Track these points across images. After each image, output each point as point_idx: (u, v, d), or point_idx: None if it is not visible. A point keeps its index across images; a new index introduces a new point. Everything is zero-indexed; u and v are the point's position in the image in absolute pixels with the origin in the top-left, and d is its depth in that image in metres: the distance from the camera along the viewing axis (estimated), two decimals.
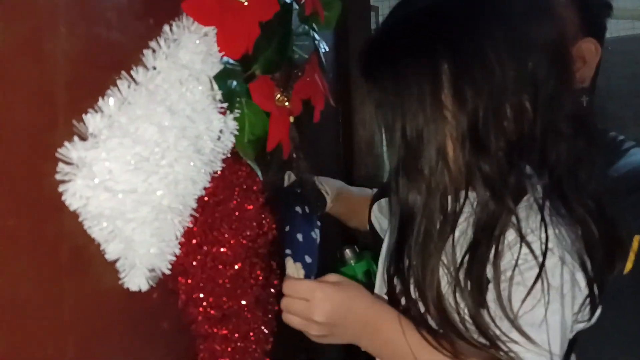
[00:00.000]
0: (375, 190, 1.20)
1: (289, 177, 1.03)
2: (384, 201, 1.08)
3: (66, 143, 0.50)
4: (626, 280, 0.83)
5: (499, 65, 0.74)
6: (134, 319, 0.63)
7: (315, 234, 0.99)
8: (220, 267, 0.71)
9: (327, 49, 1.00)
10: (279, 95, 0.84)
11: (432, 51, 0.76)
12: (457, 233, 0.76)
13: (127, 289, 0.58)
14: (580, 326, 0.78)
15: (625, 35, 1.93)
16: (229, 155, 0.72)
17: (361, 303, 0.78)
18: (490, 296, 0.73)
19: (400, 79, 0.78)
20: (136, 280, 0.57)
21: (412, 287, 0.78)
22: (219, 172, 0.71)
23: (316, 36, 0.94)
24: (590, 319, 0.78)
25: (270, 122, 0.79)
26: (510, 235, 0.74)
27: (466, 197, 0.76)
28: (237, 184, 0.75)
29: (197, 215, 0.67)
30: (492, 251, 0.73)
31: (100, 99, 0.54)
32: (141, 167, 0.56)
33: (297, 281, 0.81)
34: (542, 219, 0.73)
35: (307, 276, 0.85)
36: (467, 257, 0.75)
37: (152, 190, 0.57)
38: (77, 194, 0.51)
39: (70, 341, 0.53)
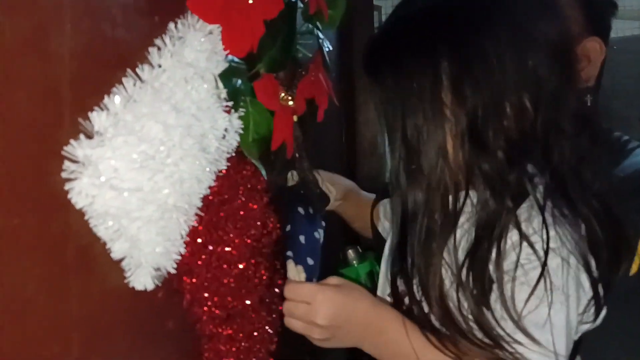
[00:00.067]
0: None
1: (292, 177, 1.03)
2: (387, 202, 1.08)
3: (72, 141, 0.50)
4: (632, 282, 0.83)
5: (499, 64, 0.74)
6: (139, 318, 0.63)
7: (319, 234, 0.98)
8: (225, 266, 0.71)
9: (331, 48, 1.00)
10: (283, 94, 0.84)
11: (432, 49, 0.76)
12: (459, 232, 0.76)
13: (133, 288, 0.57)
14: (585, 327, 0.78)
15: (632, 35, 1.93)
16: (233, 154, 0.72)
17: (363, 305, 0.78)
18: (494, 296, 0.73)
19: (400, 77, 0.78)
20: (142, 279, 0.57)
21: (415, 287, 0.78)
22: (223, 171, 0.71)
23: (320, 35, 0.94)
24: (595, 320, 0.78)
25: (274, 121, 0.79)
26: (515, 235, 0.73)
27: (466, 195, 0.76)
28: (241, 183, 0.75)
29: (202, 214, 0.67)
30: (494, 250, 0.73)
31: (105, 96, 0.54)
32: (147, 165, 0.55)
33: (299, 284, 0.80)
34: (543, 220, 0.72)
35: (309, 278, 0.85)
36: (469, 256, 0.75)
37: (158, 189, 0.57)
38: (82, 192, 0.50)
39: (76, 340, 0.53)
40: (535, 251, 0.72)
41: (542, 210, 0.73)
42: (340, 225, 1.26)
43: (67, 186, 0.50)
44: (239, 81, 0.73)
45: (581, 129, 0.77)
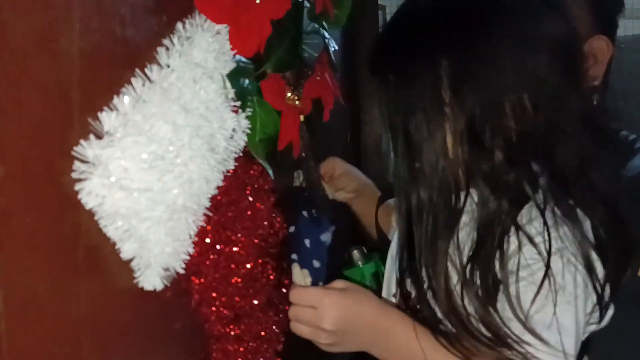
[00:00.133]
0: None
1: (298, 176, 1.03)
2: (391, 202, 1.08)
3: (82, 141, 0.50)
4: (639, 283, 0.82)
5: (498, 63, 0.74)
6: (148, 318, 0.63)
7: (326, 237, 0.98)
8: (233, 266, 0.71)
9: (337, 48, 0.99)
10: (289, 94, 0.84)
11: (432, 47, 0.77)
12: (463, 231, 0.76)
13: (142, 288, 0.57)
14: (592, 328, 0.78)
15: (639, 33, 1.93)
16: (240, 154, 0.72)
17: (369, 308, 0.78)
18: (500, 296, 0.73)
19: (402, 75, 0.79)
20: (151, 279, 0.57)
21: (424, 285, 0.78)
22: (231, 171, 0.71)
23: (326, 34, 0.94)
24: (601, 321, 0.78)
25: (281, 121, 0.79)
26: (521, 235, 0.73)
27: (467, 194, 0.76)
28: (249, 183, 0.75)
29: (210, 214, 0.67)
30: (497, 250, 0.73)
31: (115, 96, 0.54)
32: (156, 165, 0.55)
33: (304, 289, 0.80)
34: (544, 221, 0.72)
35: (315, 282, 0.84)
36: (473, 255, 0.74)
37: (167, 189, 0.57)
38: (92, 192, 0.50)
39: (85, 340, 0.53)
40: (539, 252, 0.72)
41: (542, 211, 0.73)
42: (345, 227, 1.26)
43: (77, 186, 0.50)
44: (247, 81, 0.73)
45: (586, 128, 0.77)
